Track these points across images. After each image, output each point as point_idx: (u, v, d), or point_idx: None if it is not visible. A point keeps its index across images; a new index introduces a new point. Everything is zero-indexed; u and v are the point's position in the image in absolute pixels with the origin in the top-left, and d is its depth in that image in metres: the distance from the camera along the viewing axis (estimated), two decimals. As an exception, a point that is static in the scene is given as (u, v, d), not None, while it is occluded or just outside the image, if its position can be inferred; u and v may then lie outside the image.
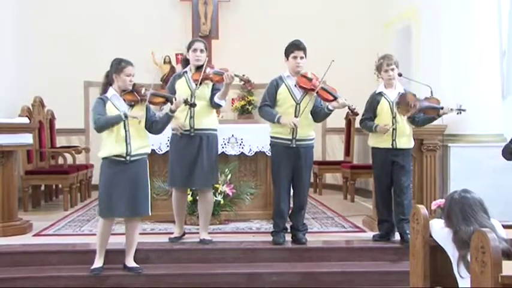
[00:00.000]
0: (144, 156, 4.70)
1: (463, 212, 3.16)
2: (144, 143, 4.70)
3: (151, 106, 4.81)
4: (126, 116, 4.49)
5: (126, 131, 4.55)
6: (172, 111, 4.74)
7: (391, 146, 5.16)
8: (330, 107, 5.08)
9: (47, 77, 8.32)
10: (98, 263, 4.71)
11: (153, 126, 4.74)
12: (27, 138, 5.72)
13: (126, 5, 9.11)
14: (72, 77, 8.66)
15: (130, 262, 4.76)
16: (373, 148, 5.35)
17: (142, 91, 4.63)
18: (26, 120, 5.96)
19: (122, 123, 4.53)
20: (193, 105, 4.93)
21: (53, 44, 8.55)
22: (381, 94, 5.26)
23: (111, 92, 4.62)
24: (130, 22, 9.02)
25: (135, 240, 4.77)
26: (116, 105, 4.57)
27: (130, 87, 4.61)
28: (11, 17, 7.70)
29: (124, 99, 4.60)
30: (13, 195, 5.67)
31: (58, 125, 8.31)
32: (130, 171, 4.58)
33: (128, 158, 4.56)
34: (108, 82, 4.66)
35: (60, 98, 8.35)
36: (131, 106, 4.62)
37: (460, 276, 3.05)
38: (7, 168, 5.58)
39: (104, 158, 4.61)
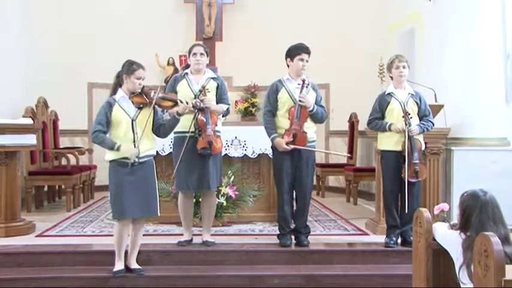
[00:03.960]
0: (151, 158, 4.69)
1: (493, 214, 3.08)
2: (151, 145, 4.69)
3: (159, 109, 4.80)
4: (118, 149, 4.45)
5: (134, 133, 4.54)
6: (180, 114, 4.75)
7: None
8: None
9: (51, 78, 8.33)
10: (119, 265, 4.68)
11: (161, 129, 4.73)
12: (31, 139, 5.72)
13: (130, 7, 9.13)
14: (75, 78, 8.69)
15: (133, 263, 4.75)
16: (383, 151, 5.20)
17: (151, 94, 4.61)
18: (29, 121, 5.95)
19: (130, 125, 4.51)
20: (202, 109, 4.95)
21: (57, 45, 8.57)
22: (390, 95, 5.14)
23: (120, 93, 4.60)
24: (134, 24, 9.05)
25: (139, 242, 4.77)
26: (123, 108, 4.55)
27: (139, 90, 4.60)
28: (15, 18, 7.72)
29: (132, 101, 4.58)
30: (16, 196, 5.68)
31: (61, 125, 8.33)
32: (139, 172, 4.56)
33: (136, 159, 4.54)
34: (118, 83, 4.65)
35: (64, 99, 8.38)
36: (139, 108, 4.60)
37: (462, 282, 3.03)
38: (10, 169, 5.59)
39: (111, 161, 4.58)
